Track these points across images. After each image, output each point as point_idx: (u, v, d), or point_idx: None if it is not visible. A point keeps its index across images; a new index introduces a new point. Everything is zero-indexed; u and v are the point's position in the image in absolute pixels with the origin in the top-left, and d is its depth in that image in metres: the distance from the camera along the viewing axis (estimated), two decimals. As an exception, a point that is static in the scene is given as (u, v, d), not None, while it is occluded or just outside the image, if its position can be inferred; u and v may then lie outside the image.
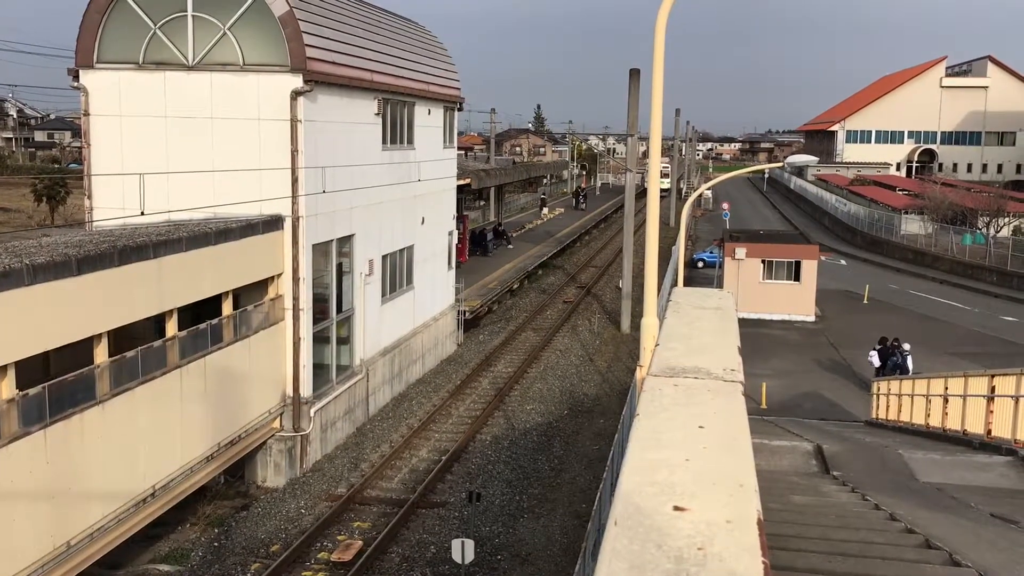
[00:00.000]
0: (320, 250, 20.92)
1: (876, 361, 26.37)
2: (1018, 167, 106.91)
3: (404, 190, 25.76)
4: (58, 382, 13.41)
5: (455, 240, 32.14)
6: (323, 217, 20.59)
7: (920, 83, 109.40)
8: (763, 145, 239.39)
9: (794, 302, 36.01)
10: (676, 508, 2.87)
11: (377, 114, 23.35)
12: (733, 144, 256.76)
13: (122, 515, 14.71)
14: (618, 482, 3.12)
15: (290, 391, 20.14)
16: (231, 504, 18.64)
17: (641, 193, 69.62)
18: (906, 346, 26.08)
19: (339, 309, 22.29)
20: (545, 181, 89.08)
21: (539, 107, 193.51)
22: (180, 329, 16.45)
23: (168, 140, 19.69)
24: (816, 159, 27.18)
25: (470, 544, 14.95)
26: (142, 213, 17.25)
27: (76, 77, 20.02)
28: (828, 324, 35.58)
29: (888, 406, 20.30)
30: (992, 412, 14.70)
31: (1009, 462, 13.57)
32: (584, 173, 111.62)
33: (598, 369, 30.08)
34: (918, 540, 8.45)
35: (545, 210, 73.03)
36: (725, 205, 64.84)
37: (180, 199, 19.14)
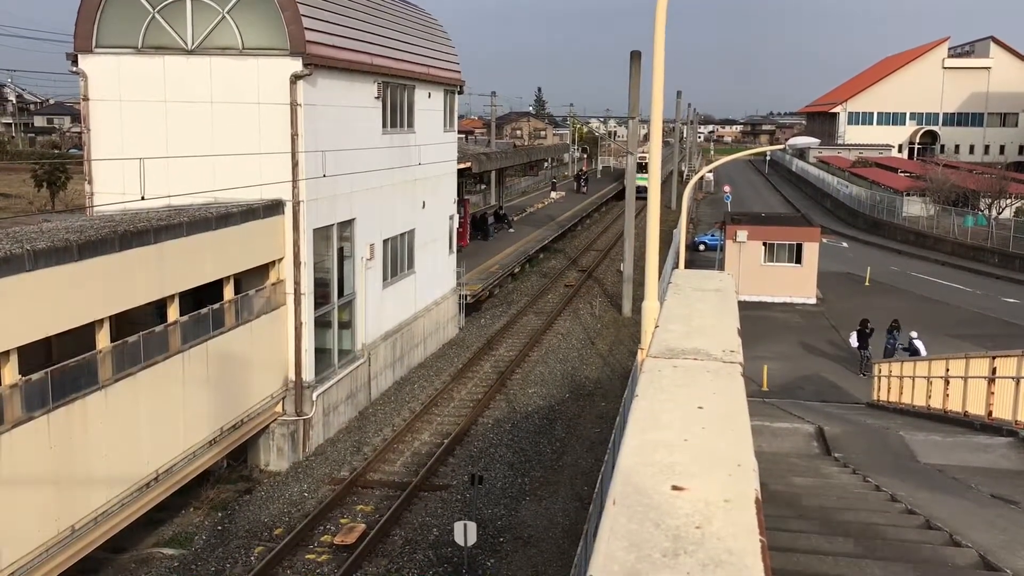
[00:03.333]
0: (321, 234, 20.91)
1: (854, 341, 27.16)
2: (1020, 148, 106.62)
3: (405, 174, 25.72)
4: (60, 367, 13.44)
5: (456, 224, 32.10)
6: (324, 201, 20.57)
7: (922, 64, 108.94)
8: (765, 127, 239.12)
9: (795, 284, 36.00)
10: (674, 487, 2.87)
11: (377, 98, 23.28)
12: (735, 126, 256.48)
13: (125, 499, 14.77)
14: (617, 462, 3.13)
15: (292, 375, 20.18)
16: (234, 488, 18.71)
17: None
18: (912, 334, 26.11)
19: (340, 293, 22.31)
20: (546, 164, 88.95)
21: (540, 90, 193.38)
22: (182, 314, 16.46)
23: (168, 125, 19.65)
24: (818, 141, 27.17)
25: (472, 526, 15.01)
26: (142, 198, 17.25)
27: (75, 62, 19.95)
28: (829, 306, 35.58)
29: (890, 388, 20.33)
30: (993, 393, 14.72)
31: (1010, 443, 13.61)
32: (585, 156, 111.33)
33: (599, 352, 30.11)
34: (919, 520, 8.48)
35: (555, 193, 73.05)
36: (727, 188, 64.74)
37: (180, 184, 19.12)
